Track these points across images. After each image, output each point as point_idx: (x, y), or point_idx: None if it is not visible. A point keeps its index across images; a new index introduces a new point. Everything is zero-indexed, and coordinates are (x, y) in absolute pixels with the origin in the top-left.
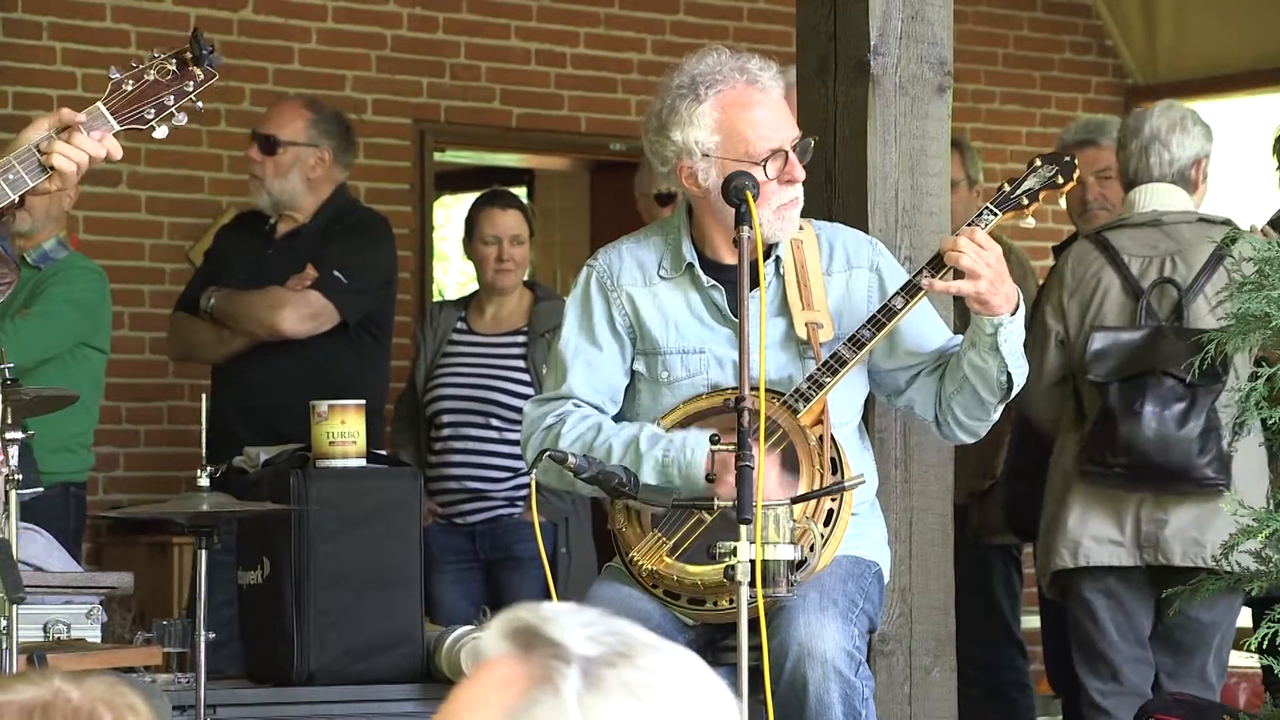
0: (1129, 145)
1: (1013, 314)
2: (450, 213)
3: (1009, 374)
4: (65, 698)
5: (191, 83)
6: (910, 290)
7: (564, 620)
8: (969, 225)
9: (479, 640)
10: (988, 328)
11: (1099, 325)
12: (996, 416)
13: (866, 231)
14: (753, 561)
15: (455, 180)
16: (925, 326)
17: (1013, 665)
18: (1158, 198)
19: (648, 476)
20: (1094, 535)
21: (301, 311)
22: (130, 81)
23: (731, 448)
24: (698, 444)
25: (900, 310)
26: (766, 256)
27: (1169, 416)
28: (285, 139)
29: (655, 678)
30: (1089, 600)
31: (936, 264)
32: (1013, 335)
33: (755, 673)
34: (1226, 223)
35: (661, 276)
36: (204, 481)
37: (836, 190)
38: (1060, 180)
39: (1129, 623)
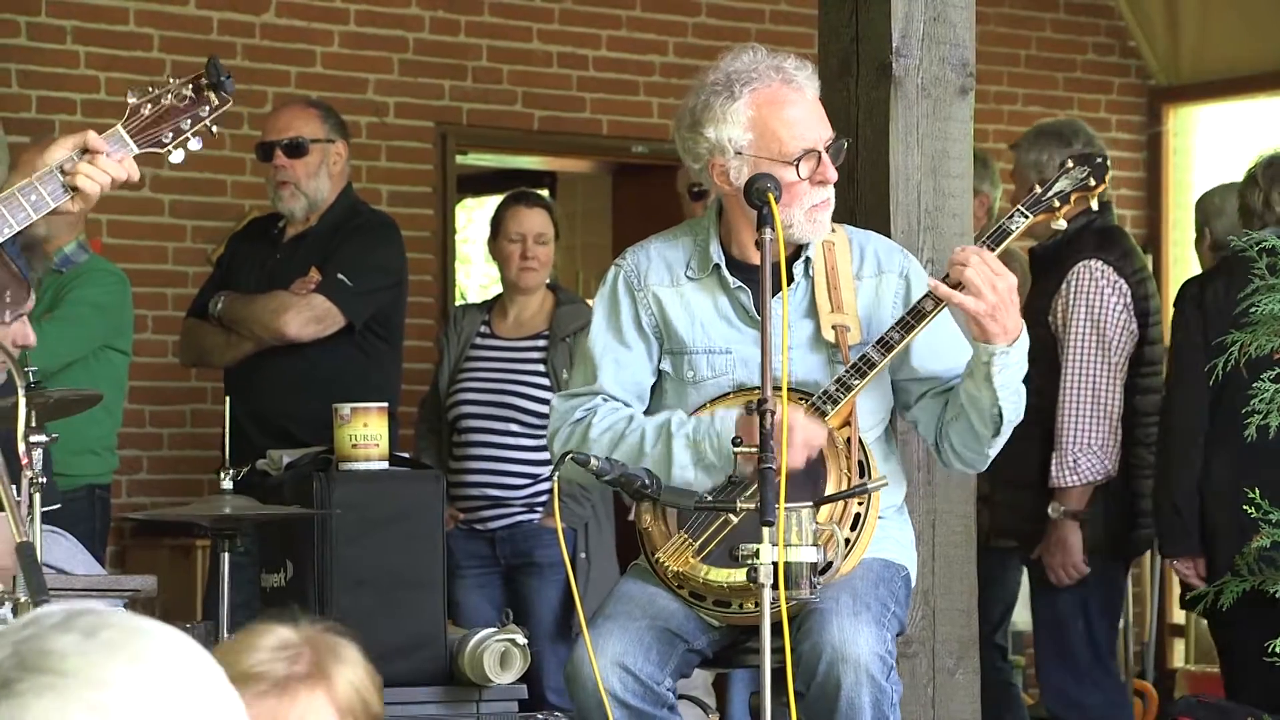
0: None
1: (1010, 346)
2: (473, 215)
3: (1001, 409)
4: (307, 633)
5: (207, 108)
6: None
7: None
8: (988, 242)
9: None
10: (983, 355)
11: None
12: (993, 453)
13: (889, 234)
14: (775, 563)
15: (477, 183)
16: (942, 345)
17: (993, 666)
18: None
19: (679, 454)
20: None
21: (305, 315)
22: (148, 106)
23: (754, 449)
24: (725, 417)
25: (930, 313)
26: (796, 257)
27: None
28: (309, 138)
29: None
30: None
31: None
32: (1008, 368)
33: (779, 675)
34: None
35: (689, 277)
36: (227, 484)
37: (858, 192)
38: (1093, 182)
39: None
